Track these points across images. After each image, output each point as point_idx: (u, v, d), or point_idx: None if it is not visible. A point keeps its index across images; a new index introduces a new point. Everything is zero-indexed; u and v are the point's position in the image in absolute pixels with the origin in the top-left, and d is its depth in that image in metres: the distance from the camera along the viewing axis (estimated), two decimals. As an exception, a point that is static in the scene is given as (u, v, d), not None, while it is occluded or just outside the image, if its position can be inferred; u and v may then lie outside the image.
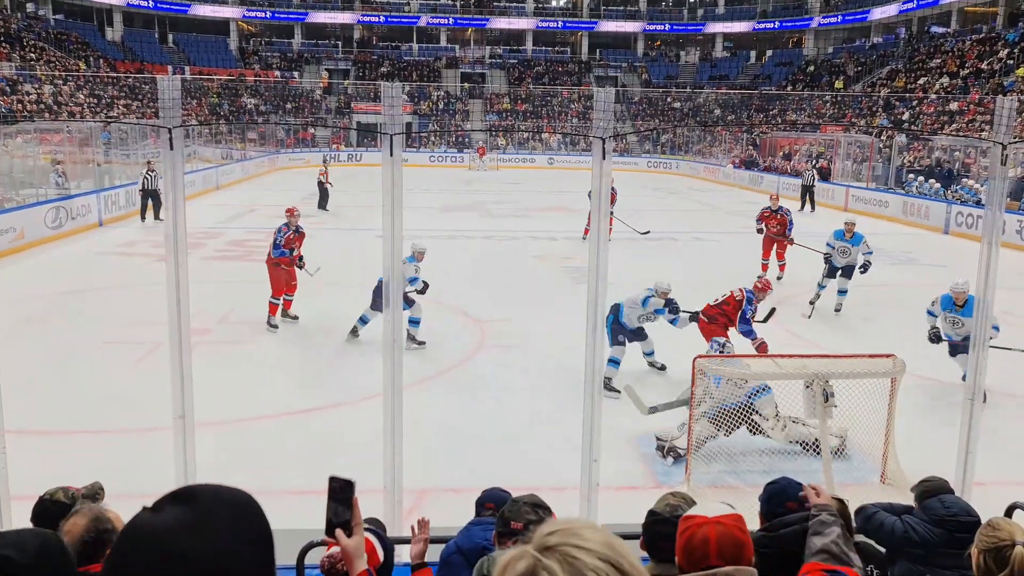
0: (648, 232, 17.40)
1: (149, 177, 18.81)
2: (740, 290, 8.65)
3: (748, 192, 30.01)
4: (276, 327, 10.30)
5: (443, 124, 46.84)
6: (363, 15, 51.72)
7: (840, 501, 2.98)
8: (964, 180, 22.70)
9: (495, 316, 11.27)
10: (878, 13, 44.84)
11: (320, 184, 22.58)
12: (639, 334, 8.71)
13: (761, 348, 8.35)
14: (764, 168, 34.01)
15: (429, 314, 9.83)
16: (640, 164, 40.92)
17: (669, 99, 50.52)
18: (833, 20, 48.67)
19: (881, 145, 28.95)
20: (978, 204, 19.37)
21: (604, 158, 3.97)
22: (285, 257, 10.33)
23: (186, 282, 4.22)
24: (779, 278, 13.52)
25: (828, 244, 11.79)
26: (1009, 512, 3.82)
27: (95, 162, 21.71)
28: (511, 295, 12.64)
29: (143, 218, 19.13)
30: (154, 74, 43.40)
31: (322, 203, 22.36)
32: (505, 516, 2.84)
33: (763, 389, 6.63)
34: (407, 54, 52.36)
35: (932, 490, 3.67)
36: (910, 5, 42.44)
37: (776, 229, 13.83)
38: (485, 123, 47.67)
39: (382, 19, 52.16)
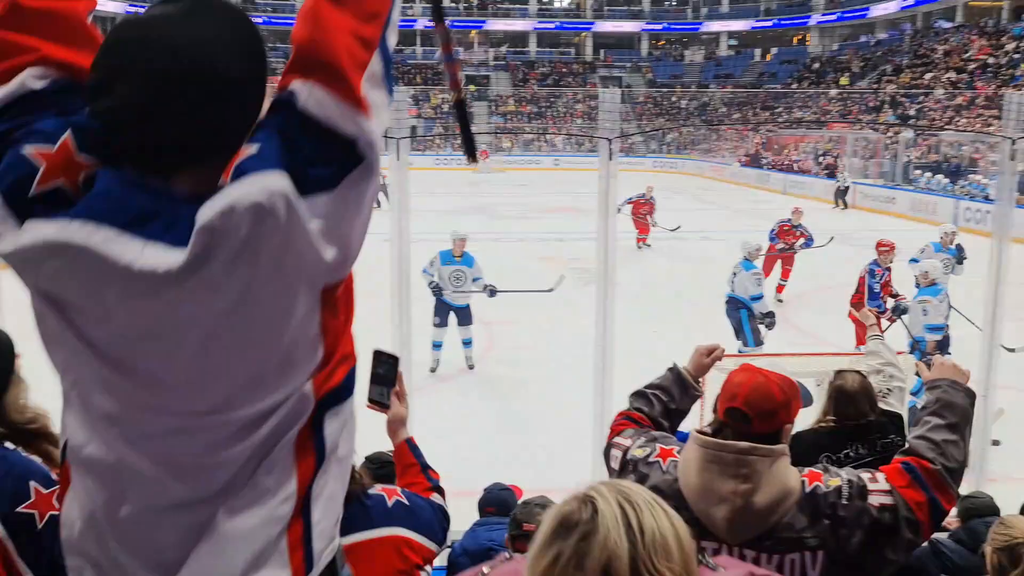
0: (679, 227, 17.64)
1: None
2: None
3: (755, 191, 29.95)
4: None
5: (448, 126, 46.89)
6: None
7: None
8: (971, 175, 22.60)
9: (502, 318, 11.25)
10: (879, 10, 44.68)
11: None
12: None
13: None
14: (771, 166, 33.94)
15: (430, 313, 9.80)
16: (646, 164, 40.83)
17: (674, 98, 50.47)
18: (832, 17, 48.56)
19: (888, 141, 28.85)
20: (986, 199, 19.30)
21: (611, 159, 3.97)
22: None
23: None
24: (779, 299, 12.61)
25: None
26: (1023, 510, 3.79)
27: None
28: (518, 297, 12.62)
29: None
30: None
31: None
32: (517, 519, 2.84)
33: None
34: (411, 57, 52.45)
35: (978, 510, 3.44)
36: (910, 1, 42.30)
37: (788, 244, 13.02)
38: (490, 125, 47.71)
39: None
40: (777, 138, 38.37)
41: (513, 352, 9.83)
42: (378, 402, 1.99)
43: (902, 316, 8.18)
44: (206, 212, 0.99)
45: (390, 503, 2.10)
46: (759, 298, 9.04)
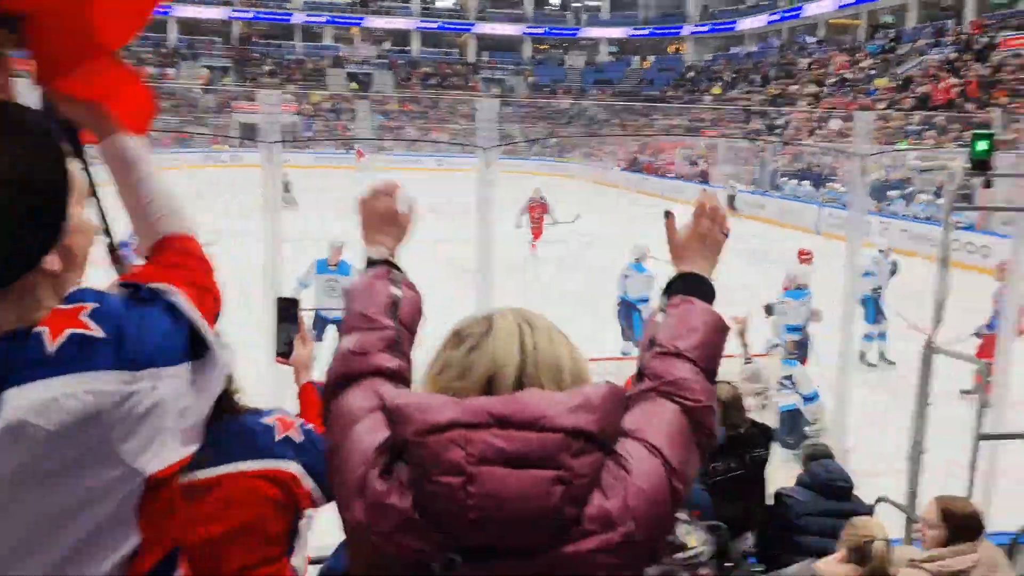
0: (578, 217, 18.07)
1: None
2: None
3: (636, 195, 30.72)
4: None
5: (329, 124, 45.90)
6: (235, 10, 50.03)
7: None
8: (831, 183, 23.94)
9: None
10: (747, 23, 46.88)
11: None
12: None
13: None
14: (648, 171, 34.95)
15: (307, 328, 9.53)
16: (528, 166, 41.24)
17: (556, 101, 51.26)
18: (704, 29, 50.56)
19: (757, 150, 30.22)
20: (844, 207, 20.47)
21: (487, 167, 3.93)
22: None
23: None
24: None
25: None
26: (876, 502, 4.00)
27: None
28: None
29: None
30: None
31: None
32: None
33: None
34: (291, 52, 51.08)
35: (815, 455, 3.77)
36: (775, 17, 44.56)
37: None
38: (373, 124, 47.03)
39: (253, 15, 50.60)
40: (655, 143, 39.54)
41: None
42: (284, 353, 1.93)
43: (771, 316, 8.54)
44: (16, 403, 0.95)
45: (279, 436, 1.87)
46: (647, 300, 9.35)
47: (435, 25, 53.45)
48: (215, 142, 42.75)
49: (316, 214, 21.44)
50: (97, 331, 1.02)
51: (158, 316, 1.10)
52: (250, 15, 50.59)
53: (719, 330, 1.19)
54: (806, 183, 25.00)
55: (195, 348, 1.13)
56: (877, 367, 9.97)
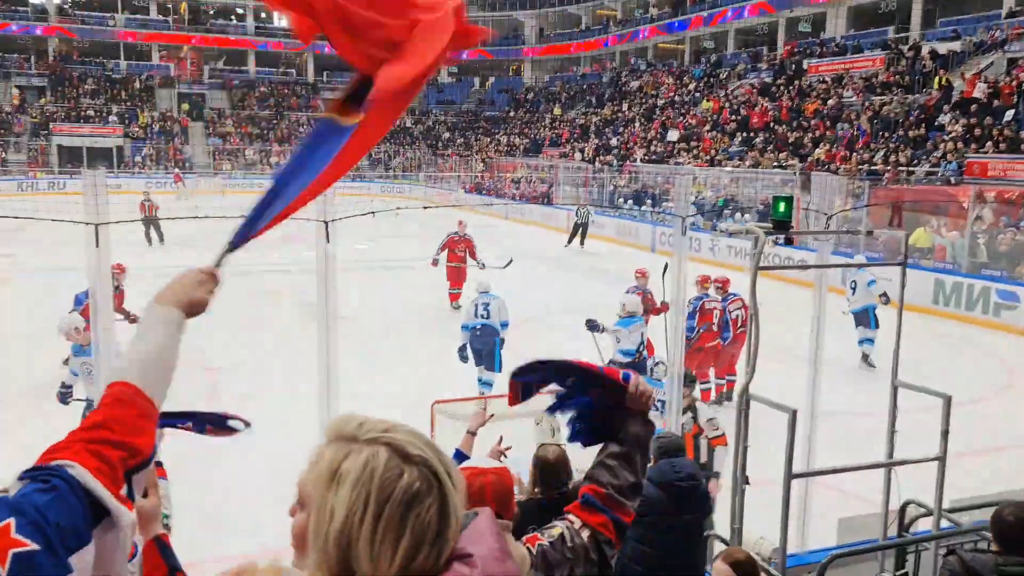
0: (510, 262, 14.50)
1: None
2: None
3: (479, 216, 31.12)
4: None
5: (159, 148, 43.67)
6: (51, 25, 46.83)
7: None
8: (665, 203, 25.20)
9: (226, 362, 10.70)
10: (582, 47, 48.77)
11: (149, 218, 20.93)
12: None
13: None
14: (491, 192, 35.51)
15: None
16: (373, 188, 40.93)
17: (399, 121, 51.15)
18: (542, 51, 52.09)
19: (595, 171, 31.39)
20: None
21: (328, 241, 3.93)
22: None
23: None
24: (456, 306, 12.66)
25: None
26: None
27: None
28: (243, 337, 12.07)
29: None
30: None
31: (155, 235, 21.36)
32: None
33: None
34: (115, 71, 48.25)
35: (666, 449, 3.70)
36: (609, 41, 46.58)
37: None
38: (208, 146, 45.19)
39: (70, 28, 47.55)
40: (498, 164, 40.23)
41: (238, 401, 9.33)
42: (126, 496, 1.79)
43: (595, 332, 8.83)
44: None
45: None
46: (507, 325, 9.61)
47: (272, 45, 52.14)
48: (32, 167, 39.81)
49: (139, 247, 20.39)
50: (32, 544, 1.10)
51: (65, 498, 1.17)
52: (68, 29, 47.49)
53: None
54: (648, 202, 26.28)
55: (96, 512, 1.20)
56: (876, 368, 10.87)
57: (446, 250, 14.84)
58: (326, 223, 4.33)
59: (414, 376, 10.07)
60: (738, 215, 22.70)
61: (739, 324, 9.61)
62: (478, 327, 9.61)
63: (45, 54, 47.21)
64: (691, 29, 40.64)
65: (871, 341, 11.24)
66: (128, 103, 45.72)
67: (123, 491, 1.27)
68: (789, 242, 4.28)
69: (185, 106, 47.68)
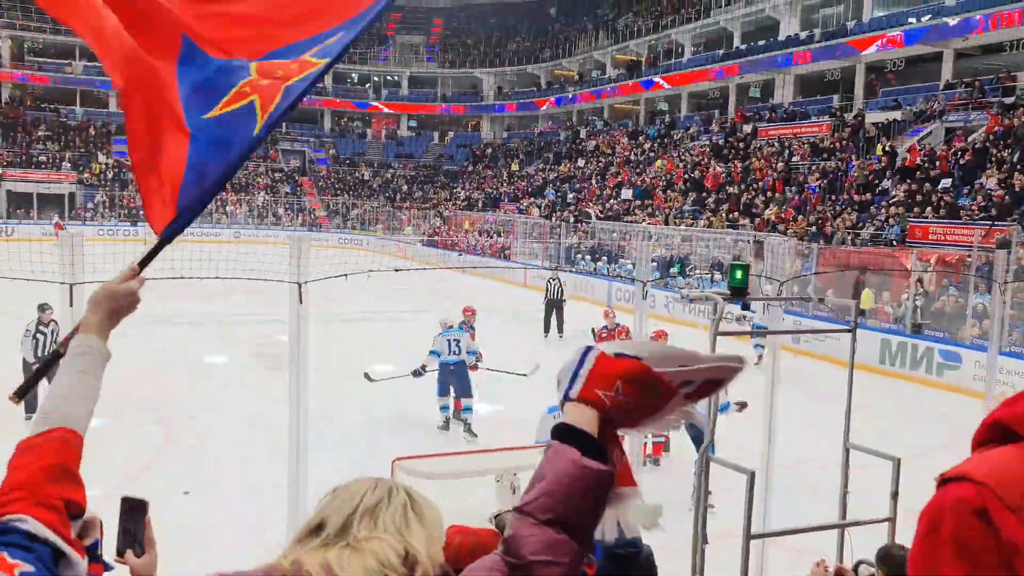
0: (538, 367, 11.29)
1: None
2: None
3: (438, 270, 31.26)
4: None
5: (113, 195, 43.15)
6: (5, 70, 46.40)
7: None
8: (621, 260, 25.65)
9: (181, 412, 10.58)
10: (540, 105, 49.82)
11: None
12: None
13: None
14: (448, 245, 35.75)
15: (101, 411, 8.94)
16: (332, 240, 40.90)
17: (358, 173, 51.43)
18: (500, 107, 53.02)
19: (552, 226, 31.86)
20: (632, 280, 22.02)
21: (300, 302, 4.03)
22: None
23: None
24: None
25: None
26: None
27: None
28: (201, 388, 11.95)
29: None
30: None
31: None
32: None
33: None
34: (71, 117, 47.79)
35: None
36: (566, 98, 47.69)
37: None
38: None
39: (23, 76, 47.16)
40: (455, 218, 40.55)
41: (194, 453, 9.20)
42: (124, 552, 1.86)
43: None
44: None
45: None
46: (474, 353, 10.99)
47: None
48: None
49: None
50: (28, 566, 1.16)
51: (20, 552, 1.20)
52: (22, 75, 47.07)
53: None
54: (604, 259, 26.69)
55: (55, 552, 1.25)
56: None
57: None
58: (299, 284, 4.43)
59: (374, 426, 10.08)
60: (696, 273, 23.22)
61: None
62: (452, 364, 10.49)
63: (-1, 99, 46.67)
64: (647, 91, 41.85)
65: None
66: (83, 149, 45.23)
67: (73, 534, 1.33)
68: (746, 307, 4.51)
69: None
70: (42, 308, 10.00)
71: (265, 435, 8.82)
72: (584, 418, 1.15)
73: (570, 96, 47.44)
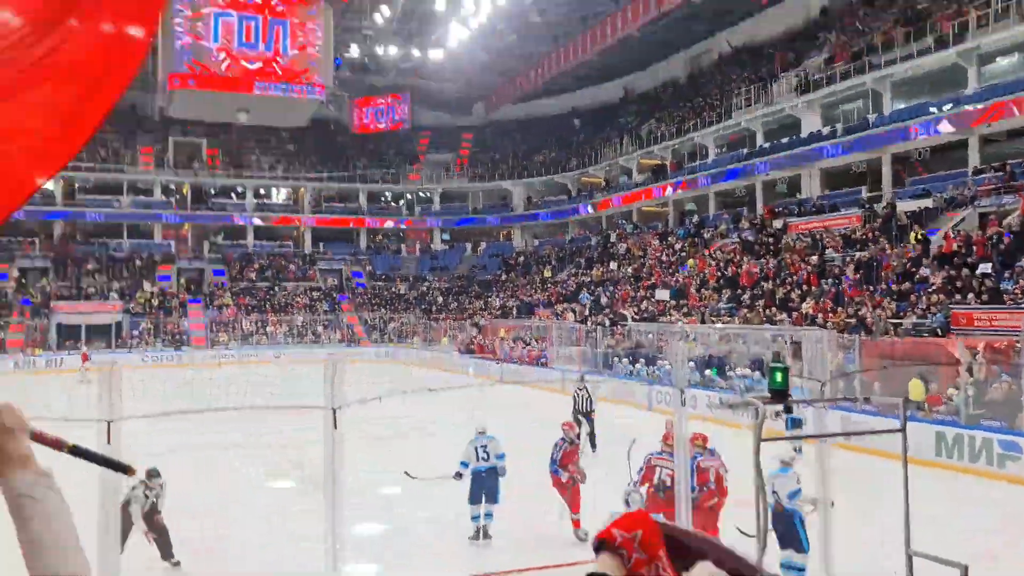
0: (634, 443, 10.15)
1: None
2: None
3: (472, 377, 31.22)
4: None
5: (156, 322, 44.20)
6: (57, 209, 48.46)
7: None
8: (660, 360, 25.41)
9: (215, 547, 10.47)
10: (571, 213, 50.72)
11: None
12: None
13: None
14: (483, 354, 35.79)
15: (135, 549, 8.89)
16: (368, 355, 41.25)
17: (394, 288, 52.29)
18: (530, 216, 54.10)
19: (588, 330, 31.82)
20: (670, 383, 21.74)
21: (335, 428, 4.07)
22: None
23: None
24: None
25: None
26: None
27: None
28: (237, 517, 11.86)
29: None
30: None
31: None
32: None
33: None
34: (118, 249, 49.58)
35: None
36: (595, 206, 48.52)
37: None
38: (207, 318, 45.82)
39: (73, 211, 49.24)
40: (491, 326, 40.75)
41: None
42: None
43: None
44: None
45: None
46: (503, 457, 10.81)
47: (270, 221, 54.04)
48: (31, 344, 40.10)
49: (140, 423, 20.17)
50: None
51: None
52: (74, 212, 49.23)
53: None
54: (641, 362, 26.48)
55: None
56: None
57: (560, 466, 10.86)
58: (334, 411, 4.46)
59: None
60: (736, 370, 22.90)
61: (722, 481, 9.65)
62: (483, 471, 10.40)
63: (50, 236, 48.65)
64: (673, 193, 42.43)
65: (801, 570, 8.37)
66: (129, 280, 46.69)
67: None
68: (788, 410, 4.42)
69: (183, 281, 48.72)
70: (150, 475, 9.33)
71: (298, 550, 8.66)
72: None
73: (598, 202, 48.27)
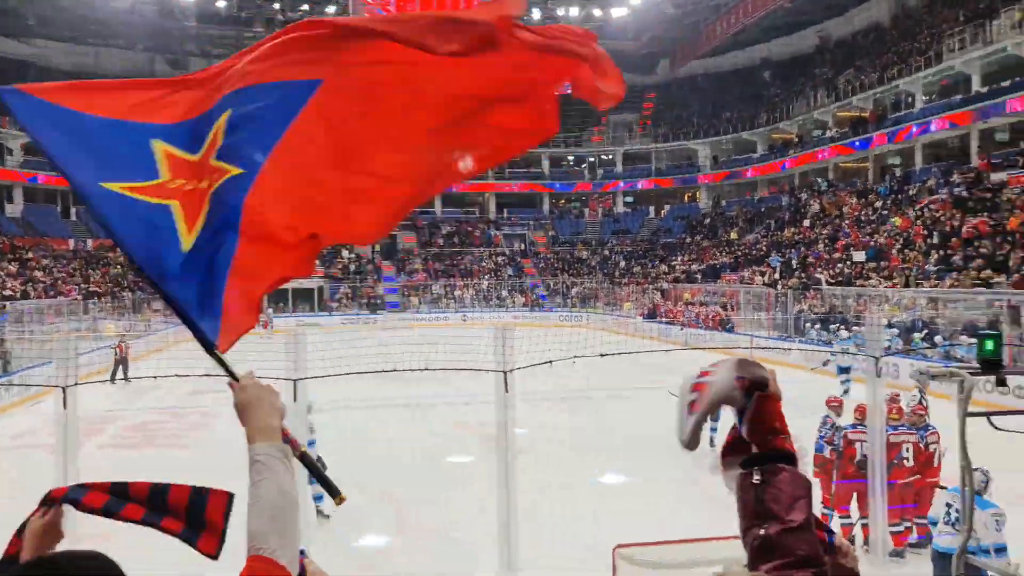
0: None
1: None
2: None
3: (656, 342, 30.74)
4: None
5: (354, 287, 47.00)
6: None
7: None
8: (855, 328, 23.80)
9: (414, 496, 10.94)
10: (759, 170, 48.36)
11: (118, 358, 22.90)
12: None
13: None
14: (667, 319, 35.12)
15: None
16: (552, 319, 41.68)
17: (576, 253, 52.43)
18: (717, 177, 52.17)
19: (777, 294, 30.41)
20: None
21: (506, 391, 4.03)
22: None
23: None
24: None
25: None
26: None
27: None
28: (428, 472, 12.36)
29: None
30: (54, 248, 42.56)
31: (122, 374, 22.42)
32: None
33: None
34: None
35: None
36: (787, 163, 45.98)
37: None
38: (398, 283, 48.17)
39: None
40: (674, 291, 39.91)
41: (424, 541, 9.43)
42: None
43: None
44: None
45: None
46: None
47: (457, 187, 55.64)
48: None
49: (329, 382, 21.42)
50: None
51: None
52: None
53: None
54: (839, 327, 24.93)
55: None
56: None
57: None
58: (504, 372, 4.43)
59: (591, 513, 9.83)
60: (937, 338, 21.05)
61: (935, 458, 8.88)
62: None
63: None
64: (874, 147, 39.39)
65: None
66: (331, 247, 49.89)
67: None
68: (1001, 383, 3.88)
69: (378, 247, 51.36)
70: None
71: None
72: None
73: (790, 159, 45.74)
